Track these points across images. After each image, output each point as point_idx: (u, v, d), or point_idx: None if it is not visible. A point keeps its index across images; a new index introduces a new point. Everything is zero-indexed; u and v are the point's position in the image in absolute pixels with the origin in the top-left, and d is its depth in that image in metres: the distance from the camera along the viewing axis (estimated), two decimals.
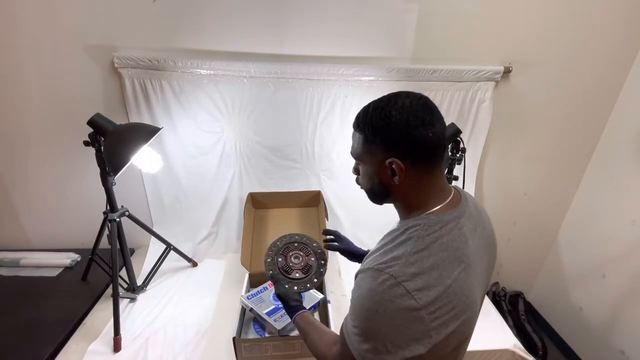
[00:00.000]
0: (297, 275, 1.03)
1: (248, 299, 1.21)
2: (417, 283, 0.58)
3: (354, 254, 1.05)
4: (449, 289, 0.59)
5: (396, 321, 0.58)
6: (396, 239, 0.65)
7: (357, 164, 0.74)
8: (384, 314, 0.58)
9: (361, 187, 0.75)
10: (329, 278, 1.40)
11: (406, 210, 0.69)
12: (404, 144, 0.61)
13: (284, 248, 1.10)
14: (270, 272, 1.05)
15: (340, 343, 0.69)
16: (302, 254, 1.07)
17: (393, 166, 0.63)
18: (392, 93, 0.65)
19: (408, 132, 0.60)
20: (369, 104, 0.66)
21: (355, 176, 0.76)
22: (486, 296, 1.49)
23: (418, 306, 0.57)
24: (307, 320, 0.87)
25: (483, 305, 1.45)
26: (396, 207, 0.72)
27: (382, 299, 0.58)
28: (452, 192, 0.70)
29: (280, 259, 1.06)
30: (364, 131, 0.66)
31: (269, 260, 1.07)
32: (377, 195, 0.71)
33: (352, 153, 0.73)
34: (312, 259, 1.06)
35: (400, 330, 0.58)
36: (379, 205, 0.75)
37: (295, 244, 1.10)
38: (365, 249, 1.03)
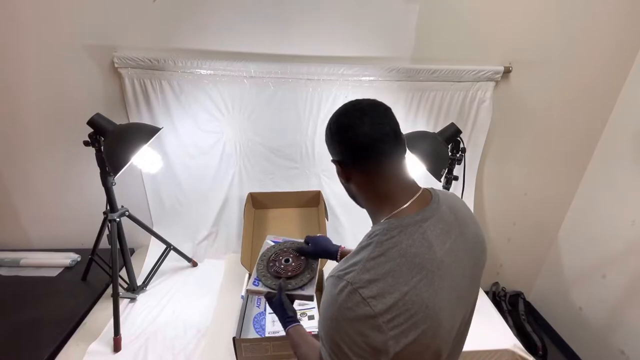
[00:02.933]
0: (290, 274, 1.02)
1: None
2: (372, 290, 0.57)
3: (330, 253, 1.04)
4: (405, 297, 0.58)
5: (354, 327, 0.57)
6: (361, 244, 0.65)
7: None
8: (343, 321, 0.58)
9: None
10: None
11: (373, 213, 0.70)
12: (338, 148, 0.67)
13: (273, 256, 1.08)
14: (267, 288, 1.02)
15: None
16: (291, 256, 1.07)
17: (341, 169, 0.68)
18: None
19: (338, 136, 0.66)
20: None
21: None
22: (486, 296, 1.50)
23: (373, 313, 0.56)
24: (300, 334, 0.86)
25: (483, 305, 1.47)
26: (367, 212, 0.73)
27: (341, 307, 0.58)
28: (420, 191, 0.68)
29: (271, 265, 1.05)
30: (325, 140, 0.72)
31: (262, 271, 1.04)
32: (350, 195, 0.75)
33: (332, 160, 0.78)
34: (302, 257, 1.05)
35: (361, 340, 0.57)
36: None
37: (284, 250, 1.09)
38: (338, 245, 1.04)
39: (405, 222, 0.63)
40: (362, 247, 0.64)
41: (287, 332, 0.89)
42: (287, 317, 0.91)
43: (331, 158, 0.71)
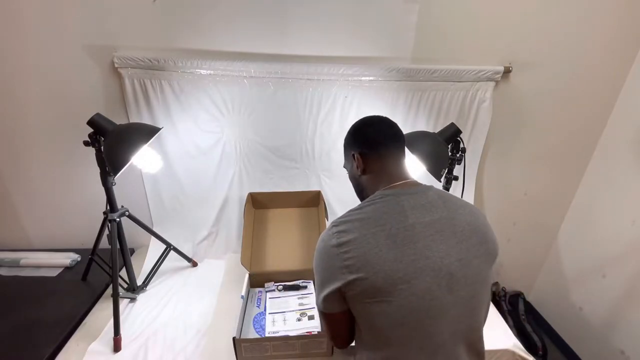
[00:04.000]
0: None
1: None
2: (341, 227, 0.75)
3: None
4: (363, 238, 0.72)
5: (323, 255, 0.76)
6: None
7: (348, 173, 0.97)
8: (317, 254, 0.78)
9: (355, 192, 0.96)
10: None
11: (370, 194, 0.84)
12: (357, 140, 0.88)
13: None
14: None
15: None
16: None
17: (355, 158, 0.86)
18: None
19: (358, 132, 0.89)
20: None
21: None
22: None
23: (336, 243, 0.73)
24: None
25: None
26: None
27: (321, 240, 0.78)
28: (408, 180, 0.83)
29: None
30: (344, 145, 0.94)
31: None
32: (358, 191, 0.93)
33: (344, 165, 0.98)
34: None
35: (324, 264, 0.75)
36: None
37: None
38: None
39: (387, 192, 0.80)
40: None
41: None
42: None
43: (351, 155, 0.89)
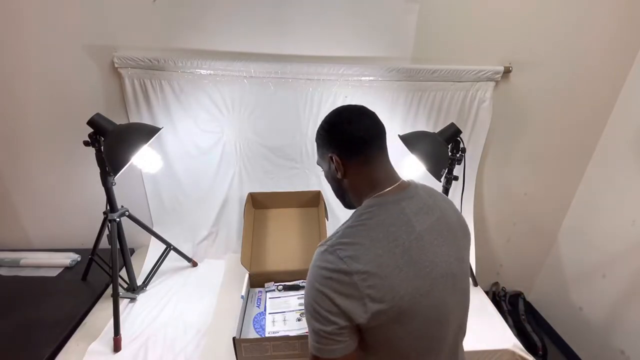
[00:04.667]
0: None
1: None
2: (348, 251, 0.63)
3: None
4: (380, 259, 0.62)
5: (331, 286, 0.61)
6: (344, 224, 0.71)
7: (324, 172, 0.83)
8: (321, 281, 0.62)
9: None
10: None
11: (356, 201, 0.76)
12: (335, 139, 0.73)
13: None
14: None
15: None
16: None
17: (333, 160, 0.73)
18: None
19: (336, 128, 0.73)
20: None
21: None
22: (486, 296, 1.50)
23: (349, 270, 0.61)
24: None
25: (483, 305, 1.47)
26: (353, 202, 0.78)
27: (318, 267, 0.64)
28: (400, 181, 0.75)
29: None
30: (316, 140, 0.80)
31: None
32: (338, 194, 0.81)
33: (317, 163, 0.84)
34: None
35: (335, 295, 0.61)
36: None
37: None
38: None
39: (384, 200, 0.70)
40: (343, 223, 0.71)
41: None
42: None
43: (326, 156, 0.76)
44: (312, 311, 0.63)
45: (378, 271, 0.61)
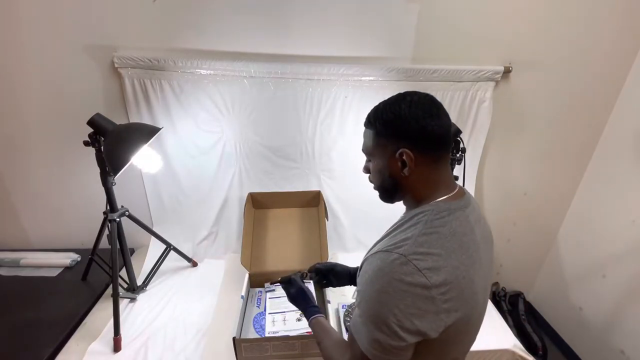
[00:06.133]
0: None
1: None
2: (427, 262, 0.58)
3: (341, 277, 1.03)
4: (456, 271, 0.60)
5: (406, 301, 0.57)
6: (403, 225, 0.67)
7: (367, 162, 0.76)
8: (394, 293, 0.57)
9: (374, 186, 0.76)
10: None
11: (414, 201, 0.70)
12: (413, 134, 0.64)
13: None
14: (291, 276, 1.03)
15: (350, 347, 0.69)
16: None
17: (403, 157, 0.65)
18: (402, 92, 0.69)
19: (416, 122, 0.64)
20: (380, 103, 0.70)
21: (367, 175, 0.78)
22: None
23: (429, 284, 0.57)
24: (323, 326, 0.85)
25: None
26: (405, 201, 0.73)
27: (392, 278, 0.58)
28: (458, 186, 0.71)
29: None
30: (375, 127, 0.69)
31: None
32: (388, 190, 0.73)
33: (363, 150, 0.75)
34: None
35: (410, 311, 0.57)
36: (390, 204, 0.77)
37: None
38: (354, 267, 1.00)
39: (453, 206, 0.66)
40: (409, 226, 0.65)
41: (311, 322, 0.88)
42: (312, 306, 0.91)
43: (389, 148, 0.67)
44: (378, 322, 0.59)
45: (456, 285, 0.59)
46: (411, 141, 0.65)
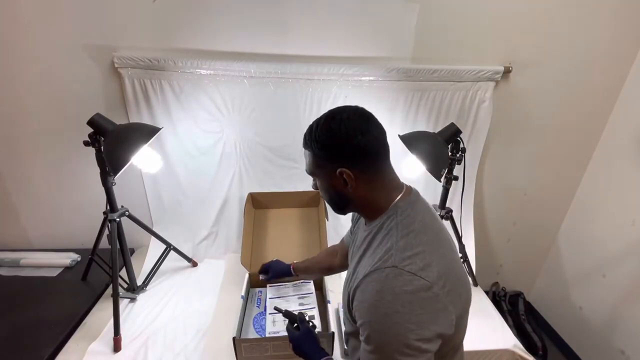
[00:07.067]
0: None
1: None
2: (418, 264, 0.59)
3: (281, 272, 1.22)
4: (444, 259, 0.62)
5: (416, 310, 0.56)
6: (376, 238, 0.67)
7: (314, 180, 0.77)
8: (402, 309, 0.56)
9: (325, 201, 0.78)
10: (328, 278, 1.40)
11: (370, 211, 0.72)
12: (348, 153, 0.66)
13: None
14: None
15: None
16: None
17: (344, 176, 0.66)
18: (333, 108, 0.70)
19: (348, 142, 0.65)
20: (313, 122, 0.71)
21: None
22: (486, 296, 1.50)
23: (429, 284, 0.57)
24: None
25: (483, 305, 1.46)
26: (360, 212, 0.75)
27: (394, 293, 0.57)
28: (403, 183, 0.74)
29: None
30: (311, 147, 0.70)
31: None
32: (338, 204, 0.75)
33: (306, 170, 0.76)
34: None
35: (424, 319, 0.57)
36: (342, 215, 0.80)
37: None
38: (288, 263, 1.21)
39: (410, 200, 0.69)
40: (383, 237, 0.66)
41: None
42: (321, 349, 0.86)
43: (328, 169, 0.68)
44: (398, 347, 0.57)
45: (449, 273, 0.61)
46: (347, 160, 0.66)
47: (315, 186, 0.78)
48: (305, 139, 0.72)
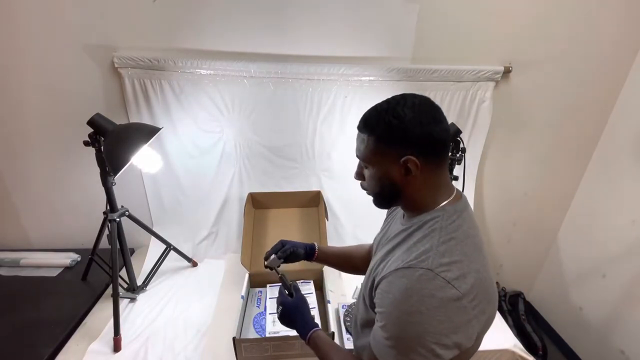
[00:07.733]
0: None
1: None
2: (454, 272, 0.57)
3: (299, 245, 0.99)
4: (479, 274, 0.60)
5: (440, 317, 0.56)
6: (415, 235, 0.65)
7: (360, 169, 0.72)
8: (427, 312, 0.56)
9: (368, 192, 0.73)
10: (328, 278, 1.40)
11: (416, 207, 0.68)
12: (419, 140, 0.62)
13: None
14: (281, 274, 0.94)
15: None
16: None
17: (408, 164, 0.62)
18: (398, 95, 0.66)
19: (422, 128, 0.61)
20: (376, 106, 0.66)
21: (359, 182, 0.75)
22: None
23: (460, 295, 0.56)
24: (325, 340, 0.79)
25: None
26: (404, 206, 0.71)
27: (422, 296, 0.56)
28: (455, 188, 0.71)
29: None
30: (375, 132, 0.64)
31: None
32: (386, 197, 0.70)
33: (359, 156, 0.70)
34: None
35: (446, 327, 0.56)
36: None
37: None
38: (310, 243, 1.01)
39: (459, 207, 0.66)
40: (422, 236, 0.64)
41: (311, 337, 0.79)
42: (312, 319, 0.84)
43: (392, 154, 0.63)
44: (413, 344, 0.57)
45: (481, 288, 0.59)
46: (417, 148, 0.62)
47: (360, 176, 0.73)
48: (367, 122, 0.66)
